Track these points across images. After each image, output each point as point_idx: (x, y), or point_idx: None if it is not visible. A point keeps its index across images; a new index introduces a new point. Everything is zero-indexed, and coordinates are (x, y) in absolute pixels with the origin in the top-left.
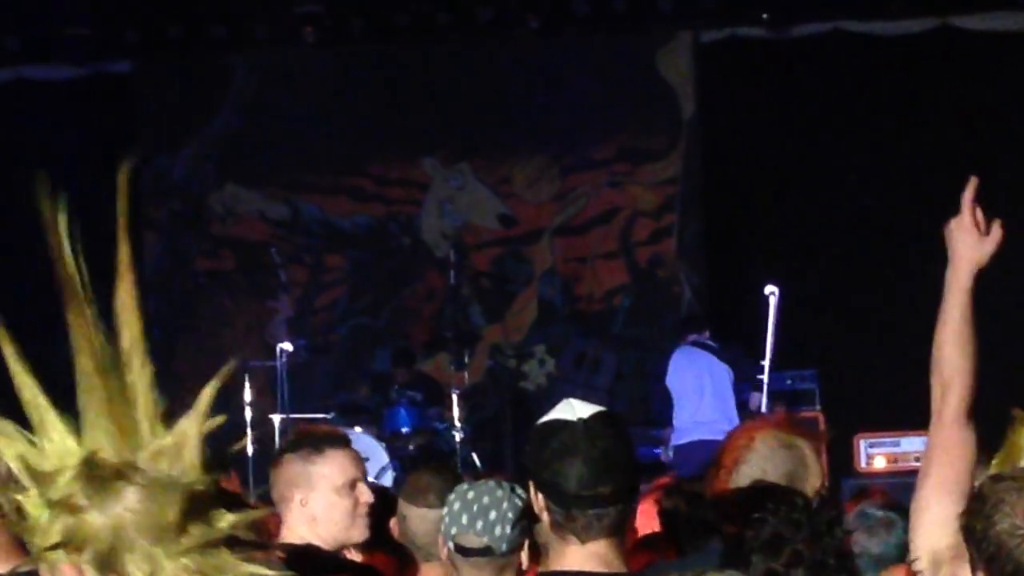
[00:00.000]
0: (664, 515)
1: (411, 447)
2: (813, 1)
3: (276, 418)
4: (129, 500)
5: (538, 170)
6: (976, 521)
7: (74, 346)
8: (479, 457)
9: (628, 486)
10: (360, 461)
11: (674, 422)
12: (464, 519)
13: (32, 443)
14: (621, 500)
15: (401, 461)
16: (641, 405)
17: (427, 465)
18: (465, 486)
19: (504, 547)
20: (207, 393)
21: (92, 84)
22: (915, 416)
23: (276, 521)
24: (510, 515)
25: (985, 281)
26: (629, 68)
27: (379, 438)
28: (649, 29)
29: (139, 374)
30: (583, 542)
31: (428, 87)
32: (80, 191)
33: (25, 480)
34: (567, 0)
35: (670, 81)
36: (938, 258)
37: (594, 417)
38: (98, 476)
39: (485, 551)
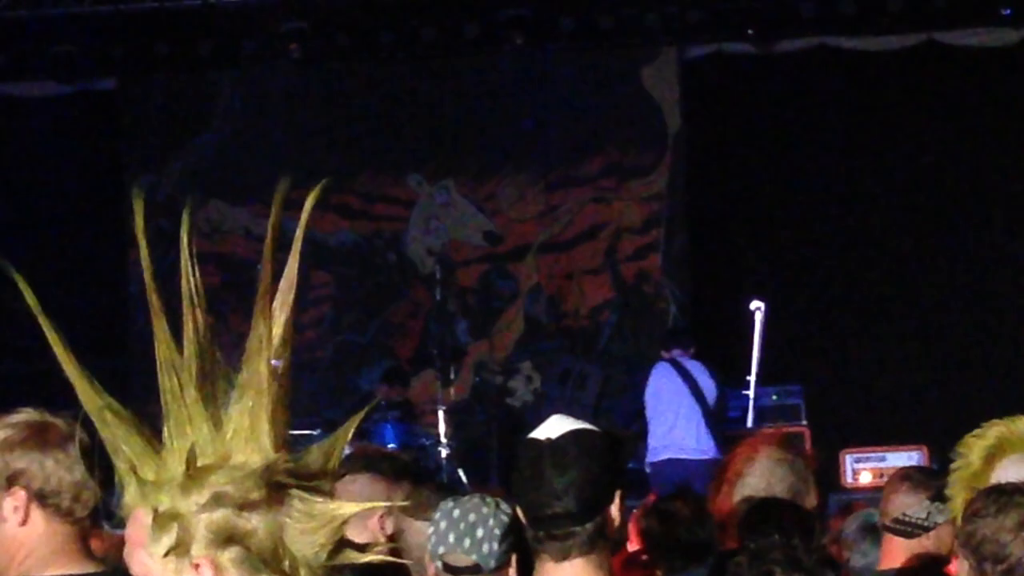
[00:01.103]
0: (643, 535)
1: None
2: (798, 17)
3: None
4: (292, 509)
5: (523, 186)
6: (977, 523)
7: (250, 348)
8: (465, 473)
9: (597, 505)
10: None
11: (648, 440)
12: (451, 537)
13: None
14: (590, 519)
15: None
16: (627, 421)
17: (427, 480)
18: (450, 503)
19: (493, 563)
20: (349, 426)
21: (78, 101)
22: (901, 431)
23: None
24: (497, 531)
25: (984, 284)
26: (615, 84)
27: None
28: (634, 45)
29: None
30: (557, 561)
31: (414, 104)
32: (66, 207)
33: (173, 471)
34: (552, 17)
35: (656, 97)
36: (922, 272)
37: (563, 437)
38: (275, 481)
39: (474, 569)
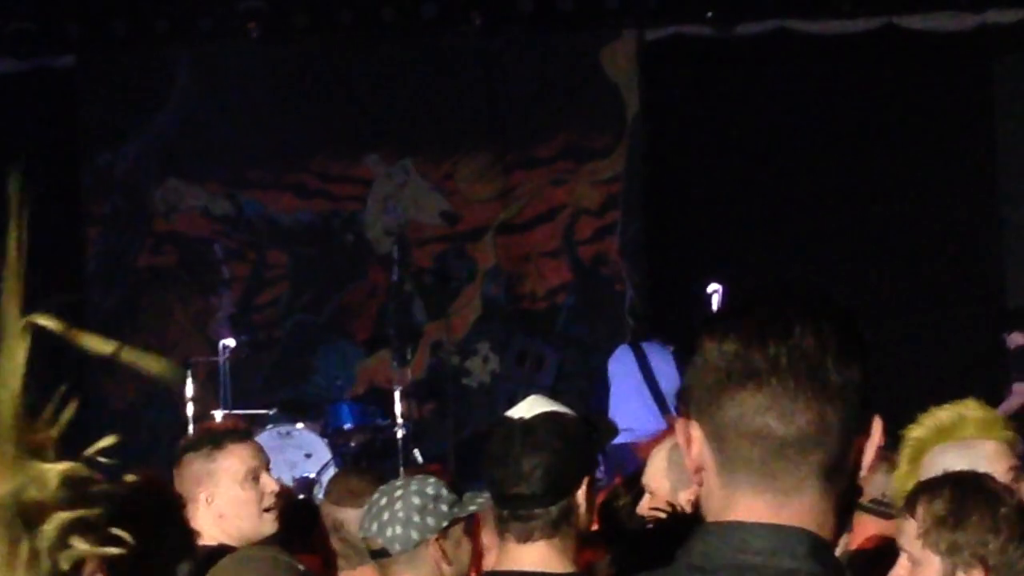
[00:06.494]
0: (605, 509)
1: (353, 444)
2: (758, 0)
3: (218, 414)
4: None
5: (481, 167)
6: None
7: None
8: (421, 454)
9: (562, 489)
10: (262, 452)
11: None
12: (366, 522)
13: None
14: (554, 502)
15: (343, 458)
16: (583, 403)
17: (349, 469)
18: (379, 489)
19: (397, 547)
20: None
21: (34, 78)
22: None
23: None
24: (401, 515)
25: (939, 266)
26: (573, 66)
27: (322, 434)
28: (593, 27)
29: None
30: (521, 542)
31: (371, 83)
32: (23, 184)
33: None
34: None
35: (614, 79)
36: (877, 254)
37: (536, 418)
38: None
39: (381, 552)
